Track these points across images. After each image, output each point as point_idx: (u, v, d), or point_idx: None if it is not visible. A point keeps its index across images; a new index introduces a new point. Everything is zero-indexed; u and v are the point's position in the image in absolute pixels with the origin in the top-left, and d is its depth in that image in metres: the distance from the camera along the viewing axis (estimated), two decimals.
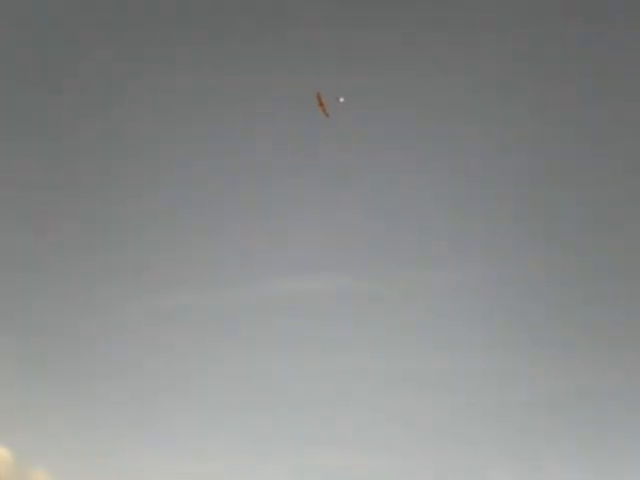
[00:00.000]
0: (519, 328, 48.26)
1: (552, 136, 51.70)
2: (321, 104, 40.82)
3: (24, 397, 43.25)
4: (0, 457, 41.89)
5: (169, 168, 51.53)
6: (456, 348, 46.98)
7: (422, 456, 42.91)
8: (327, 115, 41.82)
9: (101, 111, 51.50)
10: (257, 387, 45.88)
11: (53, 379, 44.70)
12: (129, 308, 47.38)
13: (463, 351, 46.85)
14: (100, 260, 49.00)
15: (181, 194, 51.23)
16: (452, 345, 47.13)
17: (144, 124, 51.58)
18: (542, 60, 51.66)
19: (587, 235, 50.40)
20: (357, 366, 45.80)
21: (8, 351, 43.97)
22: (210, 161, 51.67)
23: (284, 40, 51.74)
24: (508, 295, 49.18)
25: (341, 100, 41.59)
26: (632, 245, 49.69)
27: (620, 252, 49.51)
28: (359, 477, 42.60)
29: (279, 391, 45.47)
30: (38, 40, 51.55)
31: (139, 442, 43.25)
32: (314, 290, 47.55)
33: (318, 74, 50.25)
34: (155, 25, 52.06)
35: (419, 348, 47.26)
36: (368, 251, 50.05)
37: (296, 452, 43.32)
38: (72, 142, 51.42)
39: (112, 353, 45.81)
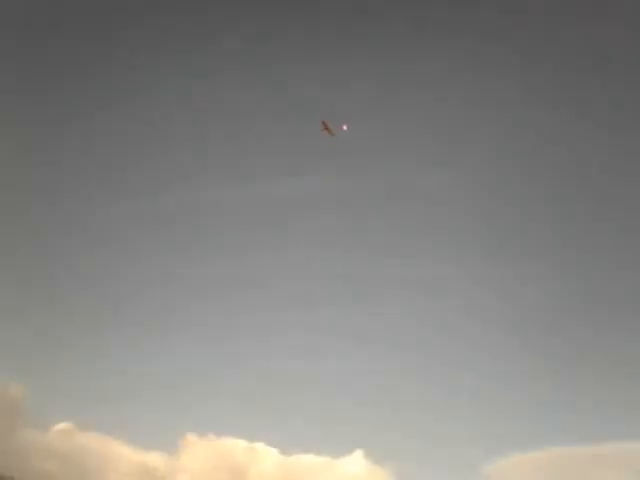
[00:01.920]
0: (519, 235, 48.72)
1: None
2: (326, 128, 42.64)
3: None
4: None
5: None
6: (458, 254, 47.71)
7: (424, 354, 44.34)
8: (333, 134, 43.44)
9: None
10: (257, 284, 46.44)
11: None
12: (119, 209, 47.40)
13: (465, 257, 47.52)
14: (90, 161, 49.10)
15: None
16: (456, 250, 47.71)
17: None
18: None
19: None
20: (356, 269, 46.35)
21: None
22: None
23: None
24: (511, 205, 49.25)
25: (344, 128, 43.09)
26: None
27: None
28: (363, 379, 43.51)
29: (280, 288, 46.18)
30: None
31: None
32: (308, 192, 48.21)
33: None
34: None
35: (421, 253, 47.93)
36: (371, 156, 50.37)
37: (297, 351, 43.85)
38: None
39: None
